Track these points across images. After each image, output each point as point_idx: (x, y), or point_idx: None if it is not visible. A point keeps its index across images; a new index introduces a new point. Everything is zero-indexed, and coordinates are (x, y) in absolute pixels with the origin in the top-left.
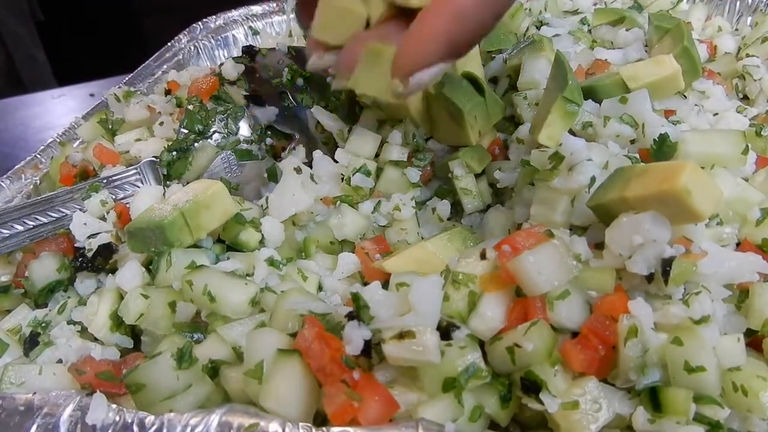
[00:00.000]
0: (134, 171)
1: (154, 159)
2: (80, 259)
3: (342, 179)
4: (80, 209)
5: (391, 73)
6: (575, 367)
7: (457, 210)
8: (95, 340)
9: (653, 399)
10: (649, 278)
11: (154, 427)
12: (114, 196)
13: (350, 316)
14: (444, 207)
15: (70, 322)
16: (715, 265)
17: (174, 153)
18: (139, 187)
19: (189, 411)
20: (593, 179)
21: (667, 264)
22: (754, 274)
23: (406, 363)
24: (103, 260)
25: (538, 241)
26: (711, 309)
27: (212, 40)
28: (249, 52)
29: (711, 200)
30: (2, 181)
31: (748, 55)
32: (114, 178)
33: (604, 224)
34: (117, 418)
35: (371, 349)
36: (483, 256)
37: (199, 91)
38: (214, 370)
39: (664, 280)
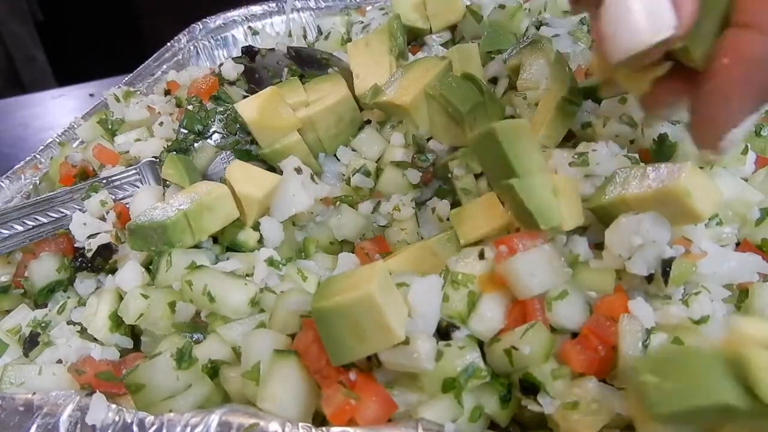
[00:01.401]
0: (134, 171)
1: (153, 159)
2: (80, 260)
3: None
4: (80, 209)
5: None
6: (575, 367)
7: None
8: (95, 340)
9: None
10: (649, 278)
11: (154, 427)
12: (114, 196)
13: None
14: (444, 207)
15: (70, 322)
16: (715, 265)
17: (174, 153)
18: (138, 187)
19: (189, 411)
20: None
21: (667, 265)
22: (753, 274)
23: (401, 368)
24: (102, 260)
25: (534, 242)
26: (710, 309)
27: (212, 40)
28: (249, 52)
29: (710, 201)
30: (2, 181)
31: None
32: (114, 178)
33: (604, 225)
34: (117, 418)
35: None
36: (482, 256)
37: (198, 91)
38: (214, 370)
39: (664, 281)
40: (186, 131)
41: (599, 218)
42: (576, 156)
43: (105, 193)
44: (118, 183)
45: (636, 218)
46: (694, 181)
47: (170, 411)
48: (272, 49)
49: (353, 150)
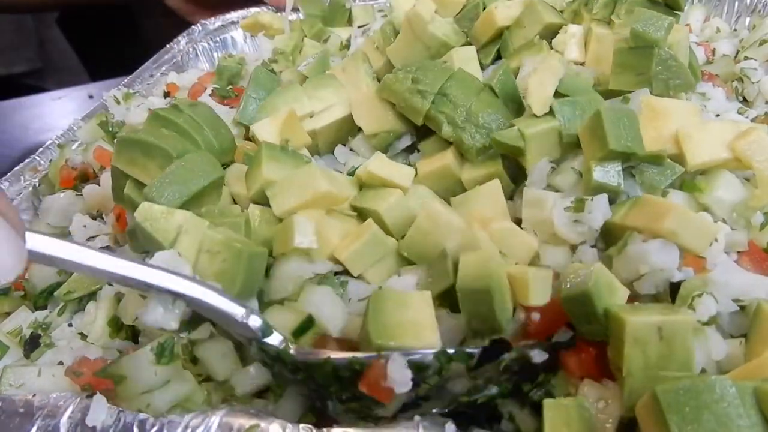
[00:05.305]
0: None
1: None
2: None
3: None
4: None
5: None
6: (575, 373)
7: None
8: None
9: None
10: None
11: (155, 429)
12: None
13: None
14: None
15: (71, 324)
16: (727, 276)
17: None
18: None
19: (166, 408)
20: None
21: (675, 287)
22: (765, 293)
23: None
24: None
25: None
26: (716, 310)
27: (211, 42)
28: None
29: (703, 237)
30: (1, 183)
31: (746, 58)
32: None
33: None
34: (117, 420)
35: None
36: None
37: (198, 95)
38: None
39: (671, 300)
40: None
41: (601, 236)
42: (573, 201)
43: None
44: None
45: (643, 247)
46: (679, 222)
47: (147, 406)
48: None
49: (351, 150)
